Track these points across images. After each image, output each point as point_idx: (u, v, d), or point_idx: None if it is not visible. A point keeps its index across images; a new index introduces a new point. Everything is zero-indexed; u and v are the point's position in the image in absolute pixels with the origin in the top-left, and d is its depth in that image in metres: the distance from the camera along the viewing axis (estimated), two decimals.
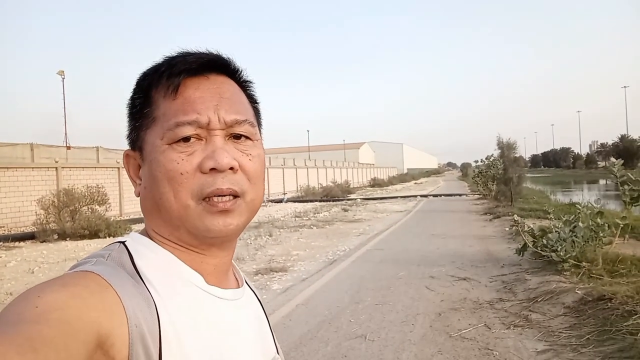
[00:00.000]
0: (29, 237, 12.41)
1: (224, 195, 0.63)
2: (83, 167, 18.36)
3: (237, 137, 0.66)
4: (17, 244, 11.80)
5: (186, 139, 0.62)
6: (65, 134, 28.52)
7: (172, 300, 0.60)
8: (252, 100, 0.74)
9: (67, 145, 23.05)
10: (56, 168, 16.88)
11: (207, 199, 0.62)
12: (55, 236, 12.25)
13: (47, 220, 12.50)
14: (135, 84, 0.69)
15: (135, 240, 0.66)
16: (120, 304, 0.54)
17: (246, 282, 0.80)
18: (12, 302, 0.51)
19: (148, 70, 0.68)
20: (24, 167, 15.94)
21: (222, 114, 0.64)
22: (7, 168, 15.29)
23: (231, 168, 0.63)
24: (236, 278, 0.77)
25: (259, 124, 0.75)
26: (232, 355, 0.64)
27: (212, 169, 0.62)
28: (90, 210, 13.20)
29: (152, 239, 0.67)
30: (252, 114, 0.71)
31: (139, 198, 0.70)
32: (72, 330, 0.48)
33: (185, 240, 0.65)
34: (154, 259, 0.64)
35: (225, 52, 0.71)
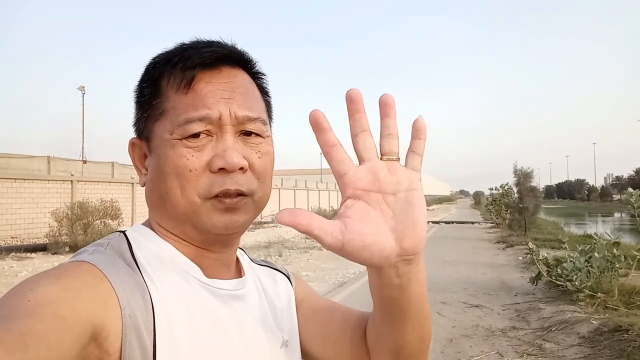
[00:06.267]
0: (41, 248, 12.52)
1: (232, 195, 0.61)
2: (98, 182, 18.60)
3: (247, 133, 0.64)
4: (28, 254, 11.90)
5: (196, 135, 0.61)
6: (83, 148, 29.00)
7: (168, 291, 0.59)
8: (264, 93, 0.71)
9: (84, 159, 23.40)
10: (71, 181, 17.11)
11: (215, 197, 0.61)
12: (67, 248, 12.34)
13: (59, 233, 12.61)
14: (144, 71, 0.67)
15: (136, 231, 0.66)
16: (114, 294, 0.53)
17: (254, 263, 0.80)
18: (7, 295, 0.50)
19: (158, 58, 0.66)
20: (40, 179, 16.19)
21: (234, 109, 0.62)
22: (24, 180, 15.55)
23: (241, 168, 0.61)
24: (240, 268, 0.75)
25: (270, 118, 0.72)
26: (228, 347, 0.62)
27: (221, 169, 0.60)
28: (103, 224, 13.32)
29: (154, 231, 0.66)
30: (264, 109, 0.69)
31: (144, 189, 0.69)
32: (65, 324, 0.47)
33: (190, 234, 0.64)
34: (153, 249, 0.63)
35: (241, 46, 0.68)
